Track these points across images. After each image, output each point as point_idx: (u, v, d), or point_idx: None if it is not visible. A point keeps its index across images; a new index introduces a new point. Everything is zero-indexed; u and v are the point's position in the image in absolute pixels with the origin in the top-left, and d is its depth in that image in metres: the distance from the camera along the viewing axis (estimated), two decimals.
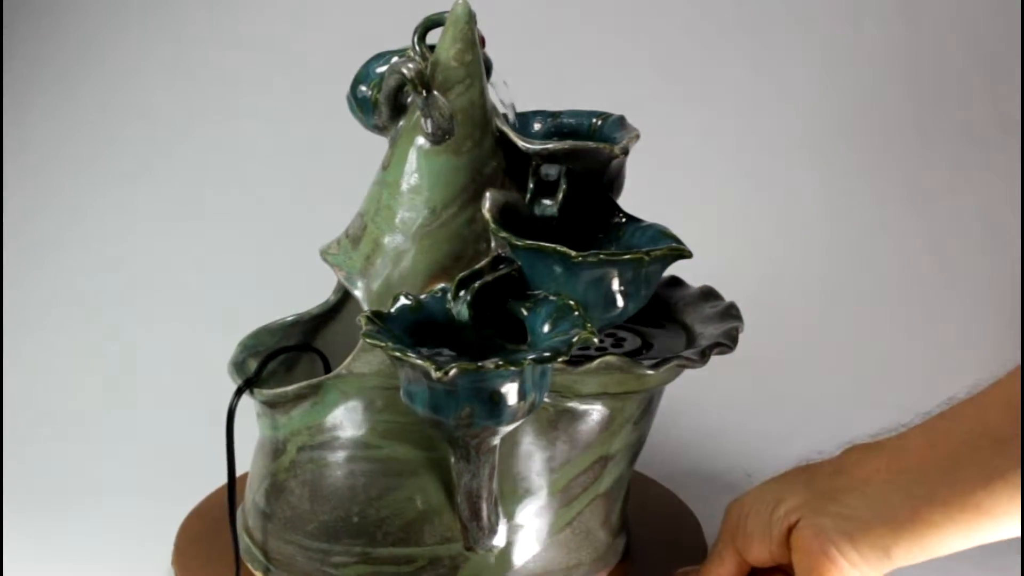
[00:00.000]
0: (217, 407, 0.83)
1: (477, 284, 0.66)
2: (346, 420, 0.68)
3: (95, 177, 1.22)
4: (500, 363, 0.59)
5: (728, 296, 0.74)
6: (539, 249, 0.65)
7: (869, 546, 0.63)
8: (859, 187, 1.19)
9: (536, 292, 0.66)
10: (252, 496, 0.73)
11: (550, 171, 0.72)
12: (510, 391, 0.62)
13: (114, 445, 0.98)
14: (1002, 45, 1.15)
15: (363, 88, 0.71)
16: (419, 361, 0.59)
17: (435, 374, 0.58)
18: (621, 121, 0.75)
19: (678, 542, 0.79)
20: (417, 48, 0.71)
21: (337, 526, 0.68)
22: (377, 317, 0.64)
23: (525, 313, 0.66)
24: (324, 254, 0.72)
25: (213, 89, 1.22)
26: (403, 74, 0.67)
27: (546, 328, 0.65)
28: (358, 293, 0.68)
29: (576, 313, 0.64)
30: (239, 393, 0.71)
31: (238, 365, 0.73)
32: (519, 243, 0.65)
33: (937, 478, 0.62)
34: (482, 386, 0.61)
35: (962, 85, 1.17)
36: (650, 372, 0.67)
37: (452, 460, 0.66)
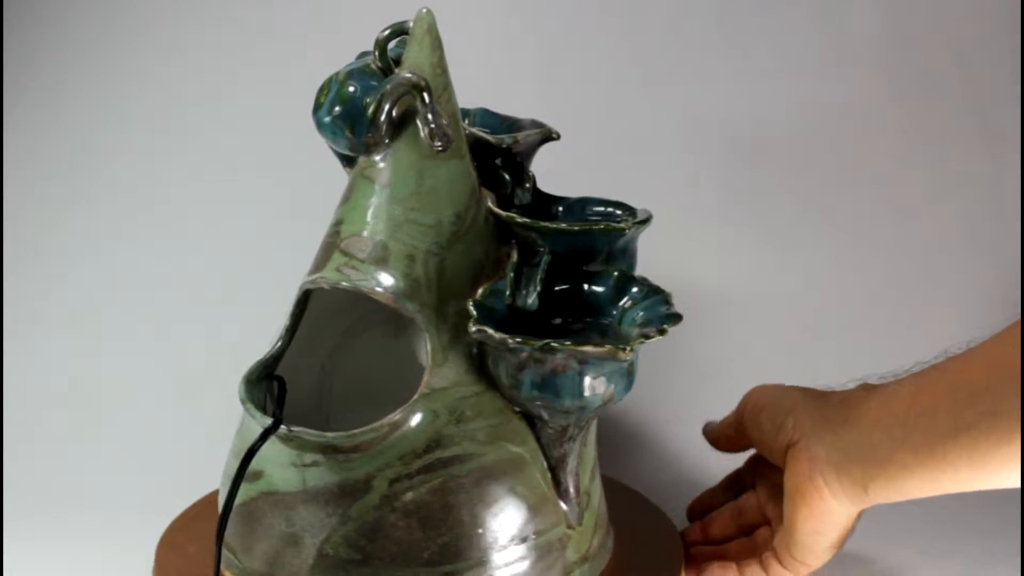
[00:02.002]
0: (197, 418, 0.96)
1: (540, 275, 0.69)
2: (444, 438, 0.66)
3: (83, 189, 1.13)
4: (660, 329, 0.64)
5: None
6: (588, 230, 0.70)
7: (850, 480, 0.68)
8: (843, 193, 1.18)
9: (596, 269, 0.71)
10: (310, 552, 0.67)
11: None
12: (635, 363, 0.67)
13: (94, 456, 0.99)
14: (986, 54, 1.17)
15: (340, 108, 0.68)
16: (605, 347, 0.62)
17: (622, 354, 0.62)
18: (489, 111, 0.80)
19: (659, 552, 0.80)
20: (379, 60, 0.70)
21: (460, 544, 0.66)
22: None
23: (599, 291, 0.70)
24: (338, 284, 0.68)
25: (210, 103, 1.15)
26: (412, 85, 0.66)
27: (602, 293, 0.71)
28: (412, 312, 0.67)
29: (636, 279, 0.70)
30: (265, 437, 0.66)
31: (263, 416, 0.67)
32: (575, 228, 0.69)
33: (915, 424, 0.64)
34: (629, 360, 0.65)
35: (945, 94, 1.18)
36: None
37: (551, 445, 0.69)
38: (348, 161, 0.74)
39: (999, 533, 0.88)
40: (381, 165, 0.69)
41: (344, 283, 0.68)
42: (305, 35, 1.12)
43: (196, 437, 0.92)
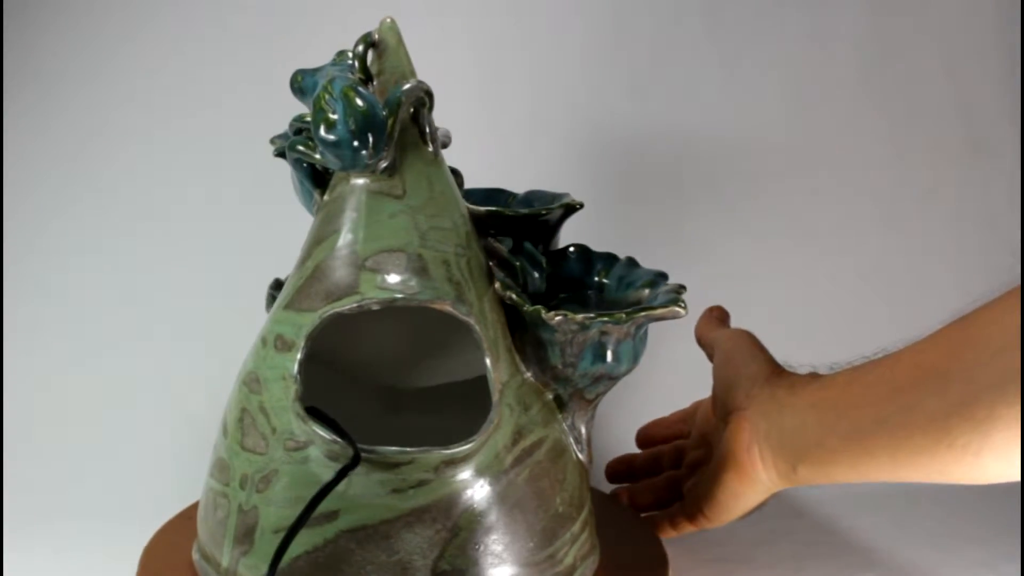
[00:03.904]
0: (183, 427, 1.00)
1: (542, 259, 0.73)
2: (522, 428, 0.68)
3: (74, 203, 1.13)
4: (680, 285, 0.72)
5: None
6: (559, 209, 0.76)
7: (783, 458, 0.71)
8: (833, 199, 1.19)
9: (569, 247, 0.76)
10: (423, 573, 0.64)
11: None
12: None
13: (77, 466, 0.99)
14: (976, 65, 1.18)
15: (358, 123, 0.64)
16: (669, 307, 0.68)
17: (682, 311, 0.69)
18: None
19: (641, 558, 0.80)
20: (361, 72, 0.68)
21: (553, 525, 0.68)
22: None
23: (572, 267, 0.76)
24: (391, 301, 0.66)
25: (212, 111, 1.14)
26: (424, 93, 0.67)
27: (575, 268, 0.77)
28: (466, 315, 0.67)
29: (593, 251, 0.77)
30: (343, 473, 0.64)
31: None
32: (542, 212, 0.75)
33: (843, 412, 0.68)
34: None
35: (936, 105, 1.19)
36: None
37: (578, 416, 0.73)
38: (319, 183, 0.71)
39: (988, 541, 0.90)
40: (390, 177, 0.68)
41: (395, 298, 0.66)
42: (305, 37, 1.09)
43: (189, 443, 0.94)
